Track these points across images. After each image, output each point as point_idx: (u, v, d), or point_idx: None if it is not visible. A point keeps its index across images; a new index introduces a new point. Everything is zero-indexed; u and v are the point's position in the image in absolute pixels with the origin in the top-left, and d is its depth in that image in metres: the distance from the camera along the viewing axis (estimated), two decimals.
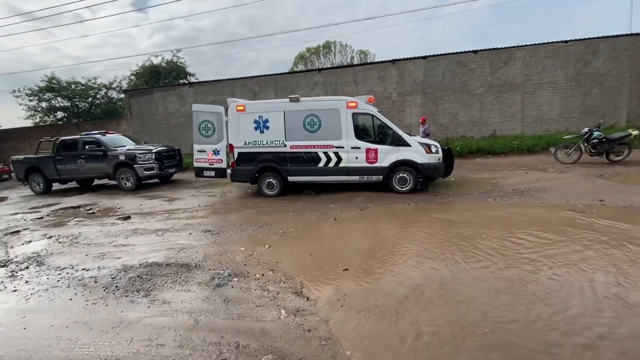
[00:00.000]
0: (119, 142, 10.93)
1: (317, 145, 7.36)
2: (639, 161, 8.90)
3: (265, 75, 16.48)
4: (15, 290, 3.68)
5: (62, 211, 8.02)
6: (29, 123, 28.07)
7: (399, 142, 7.09)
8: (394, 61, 14.86)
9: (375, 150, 7.17)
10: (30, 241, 5.60)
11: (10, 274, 4.18)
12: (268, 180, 7.80)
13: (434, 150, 7.10)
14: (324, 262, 3.83)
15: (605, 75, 13.08)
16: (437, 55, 14.40)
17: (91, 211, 7.71)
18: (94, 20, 48.00)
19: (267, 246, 4.48)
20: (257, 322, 2.70)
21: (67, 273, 4.04)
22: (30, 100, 27.54)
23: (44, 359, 2.46)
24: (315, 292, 3.15)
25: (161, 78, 27.64)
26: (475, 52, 14.02)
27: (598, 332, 2.29)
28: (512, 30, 63.76)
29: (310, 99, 7.97)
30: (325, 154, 7.34)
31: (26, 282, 3.89)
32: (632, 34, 12.85)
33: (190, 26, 61.37)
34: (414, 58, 14.64)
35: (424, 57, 14.50)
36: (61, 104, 28.55)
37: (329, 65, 30.25)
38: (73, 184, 11.78)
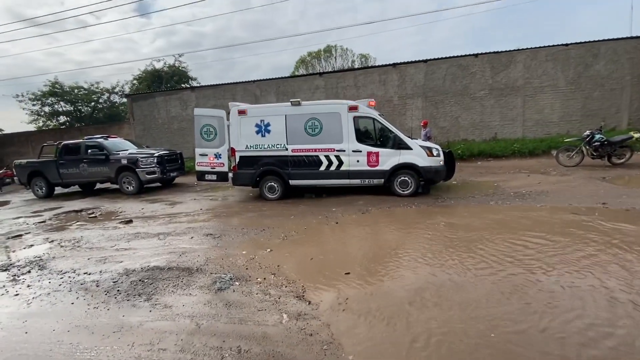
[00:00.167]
0: (121, 146, 10.98)
1: (319, 149, 7.37)
2: None
3: (266, 80, 16.56)
4: (17, 295, 3.69)
5: (64, 215, 8.04)
6: (31, 127, 28.30)
7: (400, 145, 7.09)
8: (394, 65, 14.91)
9: (377, 154, 7.18)
10: (32, 245, 5.62)
11: (12, 278, 4.19)
12: (269, 183, 7.81)
13: (435, 153, 7.09)
14: (326, 265, 3.82)
15: (606, 78, 13.08)
16: (438, 58, 14.44)
17: (93, 215, 7.73)
18: (97, 26, 48.45)
19: (269, 250, 4.48)
20: (259, 327, 2.69)
21: (69, 277, 4.05)
22: (33, 105, 27.78)
23: None
24: (317, 296, 3.14)
25: (163, 82, 27.81)
26: (476, 55, 14.06)
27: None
28: (513, 34, 63.93)
29: (312, 102, 7.99)
30: (327, 157, 7.35)
31: (28, 286, 3.90)
32: (632, 37, 12.86)
33: (192, 31, 61.85)
34: (415, 62, 14.69)
35: (425, 61, 14.54)
36: (64, 109, 28.75)
37: (330, 69, 30.37)
38: (75, 188, 11.83)
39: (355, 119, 7.25)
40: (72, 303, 3.38)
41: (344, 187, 7.72)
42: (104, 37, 52.06)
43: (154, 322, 2.89)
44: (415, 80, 14.68)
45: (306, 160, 7.45)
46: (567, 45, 13.24)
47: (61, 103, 28.29)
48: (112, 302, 3.32)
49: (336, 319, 2.72)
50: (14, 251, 5.36)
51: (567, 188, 6.84)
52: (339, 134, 7.26)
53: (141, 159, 9.94)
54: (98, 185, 11.82)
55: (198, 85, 24.20)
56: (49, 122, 28.97)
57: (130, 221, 6.78)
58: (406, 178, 7.11)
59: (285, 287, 3.37)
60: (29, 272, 4.35)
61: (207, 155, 8.01)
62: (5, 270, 4.47)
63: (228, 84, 17.06)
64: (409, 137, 7.36)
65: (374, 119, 7.31)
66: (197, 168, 8.19)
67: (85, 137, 11.26)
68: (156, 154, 10.24)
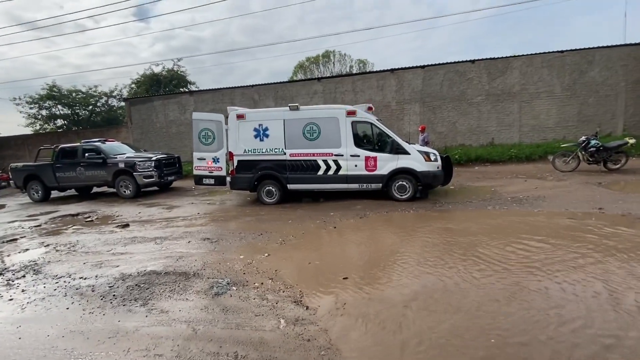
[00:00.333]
0: (119, 149, 10.95)
1: (317, 153, 7.38)
2: (636, 169, 8.94)
3: (265, 84, 16.62)
4: (11, 299, 3.64)
5: (60, 219, 7.98)
6: (28, 131, 28.21)
7: (398, 150, 7.12)
8: (392, 70, 15.03)
9: (375, 158, 7.20)
10: (27, 249, 5.56)
11: (6, 282, 4.14)
12: (267, 188, 7.80)
13: (432, 158, 7.12)
14: (324, 270, 3.81)
15: (601, 85, 13.24)
16: (435, 64, 14.58)
17: (89, 219, 7.68)
18: (96, 30, 48.54)
19: (267, 254, 4.46)
20: (256, 332, 2.67)
21: (64, 282, 4.01)
22: (30, 108, 27.70)
23: None
24: (314, 301, 3.13)
25: (162, 86, 27.86)
26: (472, 61, 14.20)
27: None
28: (509, 41, 64.81)
29: (310, 107, 8.02)
30: (325, 161, 7.36)
31: (22, 290, 3.85)
32: (626, 45, 13.05)
33: (191, 36, 62.14)
34: (413, 67, 14.81)
35: (422, 67, 14.67)
36: (61, 112, 28.70)
37: (328, 75, 30.55)
38: (72, 192, 11.75)
39: (354, 123, 7.29)
40: (67, 308, 3.34)
41: (342, 192, 7.73)
42: (103, 41, 52.22)
43: (150, 327, 2.86)
44: (412, 85, 14.79)
45: (304, 165, 7.46)
46: (562, 52, 13.41)
47: (59, 106, 28.23)
48: (107, 307, 3.29)
49: (334, 324, 2.70)
50: (8, 255, 5.30)
51: (564, 193, 6.88)
52: (337, 138, 7.29)
53: (139, 163, 9.91)
54: (95, 189, 11.76)
55: (196, 89, 24.26)
56: (46, 125, 28.89)
57: (127, 225, 6.74)
58: (404, 183, 7.13)
59: (283, 292, 3.35)
60: (24, 276, 4.30)
61: (205, 159, 8.00)
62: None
63: (226, 88, 17.11)
64: (406, 142, 7.39)
65: (372, 124, 7.34)
66: (195, 172, 8.18)
67: (83, 141, 11.22)
68: (154, 158, 10.22)
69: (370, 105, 8.00)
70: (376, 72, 15.63)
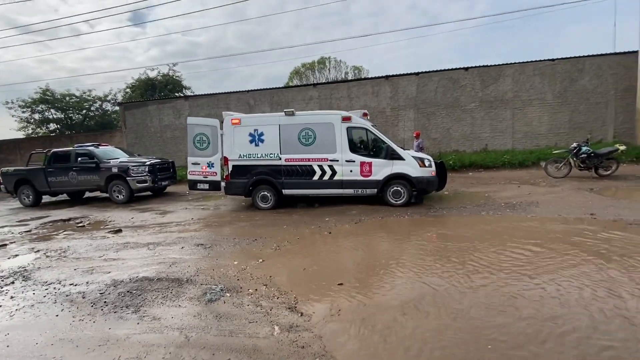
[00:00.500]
0: (112, 154, 10.86)
1: (312, 159, 7.39)
2: (627, 175, 9.09)
3: (260, 90, 16.67)
4: None
5: (51, 224, 7.86)
6: (20, 135, 27.86)
7: (393, 155, 7.16)
8: (387, 77, 15.18)
9: (370, 164, 7.23)
10: (17, 255, 5.46)
11: None
12: (262, 193, 7.77)
13: (427, 164, 7.17)
14: (319, 276, 3.79)
15: (591, 92, 13.50)
16: (429, 71, 14.76)
17: (81, 224, 7.57)
18: (91, 34, 48.41)
19: (261, 260, 4.43)
20: (250, 339, 2.63)
21: (54, 288, 3.93)
22: (23, 112, 27.44)
23: None
24: (309, 307, 3.10)
25: (157, 91, 27.78)
26: (466, 69, 14.41)
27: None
28: (501, 49, 65.89)
29: (306, 112, 8.05)
30: (320, 167, 7.37)
31: (11, 297, 3.77)
32: (615, 53, 13.35)
33: (187, 41, 62.18)
34: (407, 74, 14.98)
35: (417, 74, 14.84)
36: (54, 116, 28.43)
37: (323, 81, 30.76)
38: (63, 197, 11.60)
39: (349, 129, 7.32)
40: (57, 315, 3.27)
41: (337, 197, 7.73)
42: (98, 46, 52.03)
43: (141, 334, 2.81)
44: (407, 92, 14.94)
45: (299, 170, 7.46)
46: (553, 60, 13.67)
47: (52, 110, 27.99)
48: (98, 314, 3.23)
49: (329, 331, 2.68)
50: None
51: (557, 199, 6.96)
52: (332, 144, 7.31)
53: (132, 168, 9.83)
54: (87, 194, 11.62)
55: (192, 94, 24.22)
56: (38, 129, 28.59)
57: (119, 231, 6.66)
58: (399, 188, 7.16)
59: (277, 298, 3.32)
60: (13, 282, 4.21)
61: (199, 164, 7.96)
62: None
63: (222, 93, 17.13)
64: (401, 147, 7.44)
65: (367, 130, 7.39)
66: (190, 177, 8.13)
67: (76, 145, 11.12)
68: (148, 163, 10.14)
69: (366, 111, 8.06)
70: (371, 78, 15.79)
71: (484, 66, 14.27)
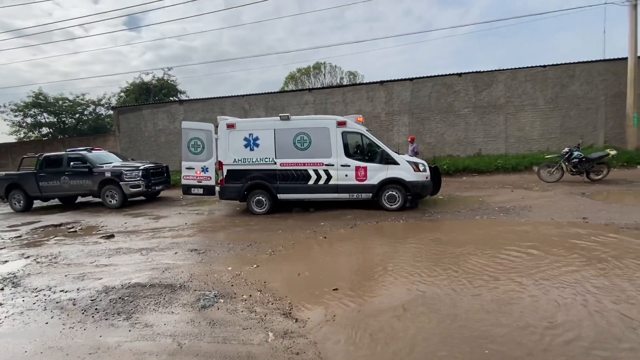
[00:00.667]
0: (106, 158, 10.75)
1: (307, 163, 7.39)
2: (617, 180, 9.23)
3: (256, 94, 16.69)
4: None
5: (42, 229, 7.73)
6: (12, 139, 27.48)
7: (388, 160, 7.19)
8: (382, 82, 15.30)
9: (365, 168, 7.25)
10: (6, 261, 5.35)
11: None
12: (257, 197, 7.74)
13: (421, 168, 7.21)
14: (314, 281, 3.77)
15: (582, 98, 13.73)
16: (423, 77, 14.92)
17: (73, 229, 7.46)
18: (85, 38, 48.17)
19: (255, 266, 4.39)
20: (244, 346, 2.60)
21: (44, 295, 3.86)
22: (15, 116, 27.05)
23: None
24: (304, 313, 3.08)
25: (151, 95, 27.64)
26: (459, 74, 14.59)
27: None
28: (493, 55, 66.96)
29: (301, 117, 8.07)
30: (315, 171, 7.37)
31: (0, 304, 3.69)
32: (605, 60, 13.62)
33: (182, 45, 62.16)
34: (401, 80, 15.12)
35: (411, 79, 14.98)
36: (47, 120, 28.09)
37: (319, 86, 30.90)
38: (55, 202, 11.43)
39: (344, 134, 7.35)
40: (47, 323, 3.20)
41: (332, 202, 7.73)
42: (92, 49, 51.77)
43: (133, 342, 2.76)
44: (401, 97, 15.06)
45: (295, 174, 7.46)
46: (544, 66, 13.90)
47: (44, 114, 27.65)
48: (89, 321, 3.17)
49: (324, 337, 2.66)
50: None
51: (549, 203, 7.03)
52: (327, 148, 7.32)
53: (125, 172, 9.73)
54: (79, 199, 11.47)
55: (186, 98, 24.15)
56: (30, 133, 28.21)
57: (111, 236, 6.57)
58: (394, 192, 7.18)
59: (272, 304, 3.29)
60: (2, 289, 4.12)
61: (194, 168, 7.91)
62: None
63: (217, 97, 17.10)
64: (396, 152, 7.48)
65: (362, 135, 7.42)
66: (184, 181, 8.07)
67: (68, 149, 11.00)
68: (141, 167, 10.06)
69: (360, 116, 8.09)
70: (366, 83, 15.91)
71: (477, 72, 14.46)
